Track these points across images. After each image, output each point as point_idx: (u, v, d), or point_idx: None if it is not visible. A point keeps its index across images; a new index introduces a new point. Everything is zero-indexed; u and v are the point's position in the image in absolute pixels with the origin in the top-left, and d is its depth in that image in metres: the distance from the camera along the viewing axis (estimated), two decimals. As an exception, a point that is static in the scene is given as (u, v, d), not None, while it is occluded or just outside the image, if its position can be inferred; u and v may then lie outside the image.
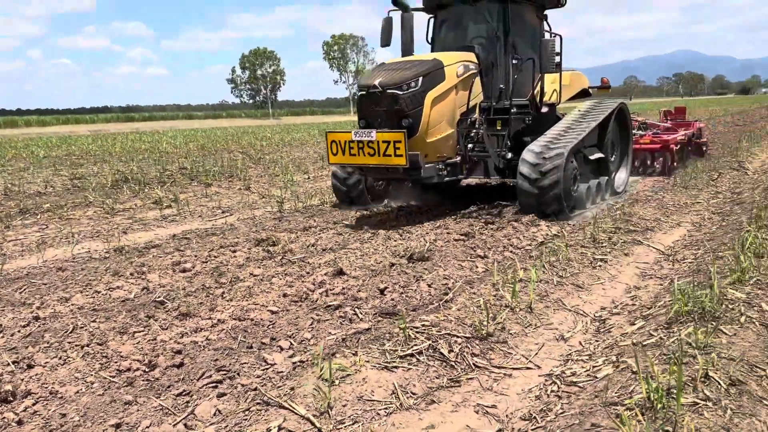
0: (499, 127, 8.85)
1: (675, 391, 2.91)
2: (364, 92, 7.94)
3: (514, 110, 8.89)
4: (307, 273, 5.75)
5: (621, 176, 10.82)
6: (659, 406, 2.87)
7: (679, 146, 13.45)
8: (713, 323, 3.87)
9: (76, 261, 6.68)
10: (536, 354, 4.05)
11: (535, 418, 3.18)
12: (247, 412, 3.20)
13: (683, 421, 2.75)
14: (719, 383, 3.12)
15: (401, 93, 7.66)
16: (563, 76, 9.91)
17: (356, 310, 4.70)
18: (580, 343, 4.24)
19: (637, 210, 8.41)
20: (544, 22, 9.82)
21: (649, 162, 13.33)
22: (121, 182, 13.65)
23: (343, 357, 3.72)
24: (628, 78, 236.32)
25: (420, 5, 9.69)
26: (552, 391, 3.48)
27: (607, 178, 9.87)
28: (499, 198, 9.20)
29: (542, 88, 9.26)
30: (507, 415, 3.29)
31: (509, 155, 8.85)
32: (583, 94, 11.26)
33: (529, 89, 9.36)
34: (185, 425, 3.13)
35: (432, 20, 9.77)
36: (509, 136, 8.88)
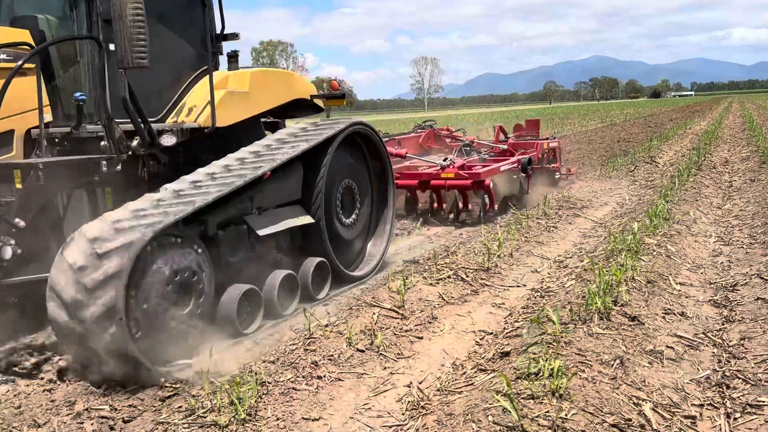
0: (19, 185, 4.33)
1: (616, 285, 4.86)
2: None
3: (102, 144, 4.70)
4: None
5: (374, 248, 6.58)
6: (608, 293, 4.81)
7: (518, 176, 9.49)
8: (636, 255, 5.88)
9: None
10: (521, 279, 5.99)
11: (531, 306, 5.09)
12: (350, 310, 4.97)
13: (623, 296, 4.69)
14: (641, 281, 5.12)
15: None
16: (232, 76, 5.80)
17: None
18: (548, 274, 6.20)
19: (574, 193, 10.54)
20: None
21: (460, 204, 8.99)
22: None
23: (400, 280, 5.52)
24: (547, 83, 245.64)
25: None
26: (537, 295, 5.41)
27: (321, 259, 5.59)
28: None
29: (130, 99, 4.50)
30: (512, 307, 5.21)
31: (8, 253, 4.13)
32: (312, 109, 6.82)
33: (159, 104, 5.27)
34: (312, 315, 4.85)
35: None
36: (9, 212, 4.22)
